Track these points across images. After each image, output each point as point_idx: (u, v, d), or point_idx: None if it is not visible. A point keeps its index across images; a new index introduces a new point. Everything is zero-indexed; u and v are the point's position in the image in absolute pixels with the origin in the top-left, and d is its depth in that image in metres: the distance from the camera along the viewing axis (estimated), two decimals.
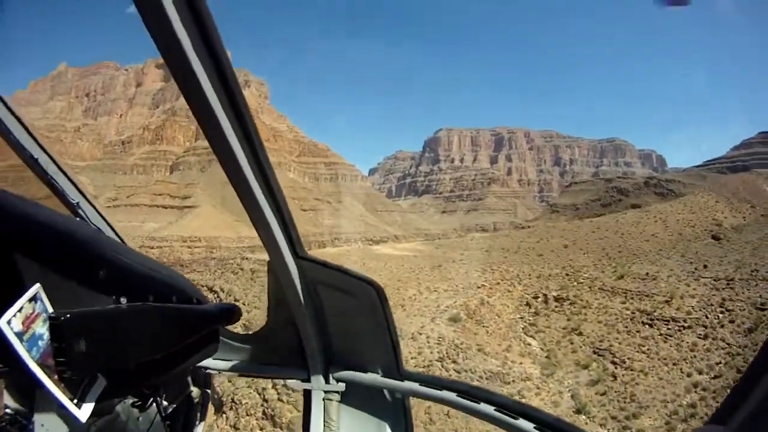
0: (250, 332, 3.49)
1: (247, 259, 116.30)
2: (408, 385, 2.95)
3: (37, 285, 1.43)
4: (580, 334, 72.36)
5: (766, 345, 1.36)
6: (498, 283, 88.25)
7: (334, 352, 3.23)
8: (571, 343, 71.00)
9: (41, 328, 1.40)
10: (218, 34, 1.70)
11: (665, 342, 67.75)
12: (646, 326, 72.09)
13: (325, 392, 3.20)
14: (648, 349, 66.64)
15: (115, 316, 1.68)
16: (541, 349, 70.46)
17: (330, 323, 3.13)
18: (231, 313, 2.59)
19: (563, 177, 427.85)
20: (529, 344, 71.13)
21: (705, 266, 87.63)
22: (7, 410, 1.50)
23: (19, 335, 1.33)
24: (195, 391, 2.75)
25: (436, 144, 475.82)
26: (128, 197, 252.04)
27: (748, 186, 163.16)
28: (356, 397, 3.20)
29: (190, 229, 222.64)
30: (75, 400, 1.50)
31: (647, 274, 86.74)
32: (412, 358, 60.45)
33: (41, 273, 1.48)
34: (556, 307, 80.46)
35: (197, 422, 2.76)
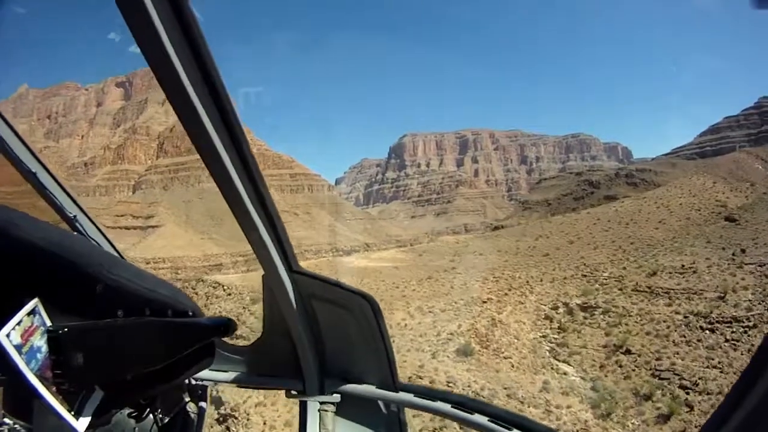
0: (245, 345, 3.41)
1: (202, 281, 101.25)
2: (403, 396, 2.95)
3: (36, 299, 1.45)
4: (628, 352, 53.88)
5: (757, 355, 1.32)
6: (506, 294, 68.53)
7: (330, 364, 3.19)
8: (620, 366, 52.42)
9: (39, 341, 1.42)
10: (208, 50, 1.70)
11: (734, 350, 52.39)
12: (707, 332, 55.45)
13: (321, 403, 3.17)
14: (719, 362, 50.53)
15: (112, 330, 1.70)
16: (582, 378, 51.66)
17: (325, 336, 3.11)
18: (226, 326, 2.54)
19: (530, 175, 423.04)
20: (565, 373, 52.25)
21: (743, 251, 73.51)
22: (6, 421, 1.49)
23: (18, 348, 1.34)
24: (191, 403, 2.76)
25: (401, 150, 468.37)
26: None
27: (740, 165, 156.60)
28: (352, 408, 3.18)
29: (153, 250, 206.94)
30: (73, 412, 1.51)
31: (683, 266, 70.16)
32: (414, 416, 41.12)
33: (39, 287, 1.49)
34: (585, 318, 61.73)
35: None
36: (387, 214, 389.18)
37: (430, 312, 63.89)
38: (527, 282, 74.52)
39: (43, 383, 1.39)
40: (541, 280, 74.96)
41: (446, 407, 2.68)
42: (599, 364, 53.74)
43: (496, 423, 2.45)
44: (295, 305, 2.84)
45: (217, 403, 44.58)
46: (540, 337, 60.09)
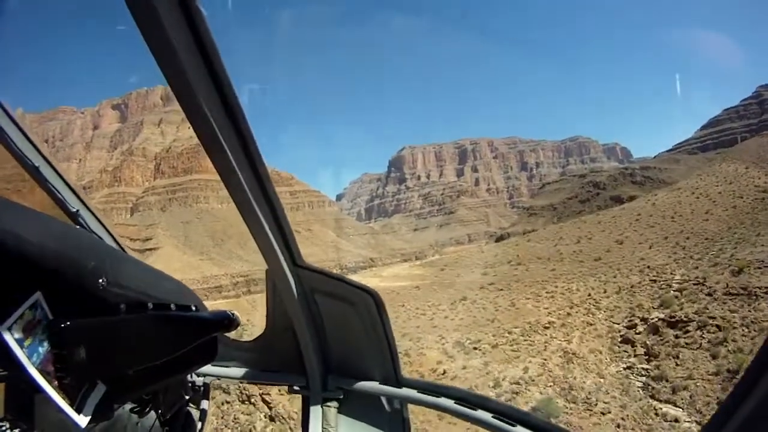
0: (249, 340, 3.38)
1: None
2: (406, 392, 2.94)
3: (38, 293, 1.42)
4: None
5: (753, 363, 1.31)
6: (569, 314, 53.50)
7: (333, 360, 3.19)
8: None
9: (41, 335, 1.39)
10: (217, 53, 1.74)
11: None
12: None
13: (324, 399, 3.16)
14: None
15: (114, 324, 1.68)
16: (698, 423, 37.02)
17: (328, 331, 3.10)
18: (230, 320, 2.52)
19: (531, 181, 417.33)
20: (676, 420, 37.33)
21: None
22: (8, 416, 1.48)
23: (20, 342, 1.32)
24: (194, 397, 2.76)
25: (400, 163, 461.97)
26: None
27: (766, 149, 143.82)
28: (354, 404, 3.17)
29: None
30: (74, 406, 1.47)
31: None
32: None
33: (41, 281, 1.45)
34: (677, 337, 46.71)
35: (195, 428, 2.74)
36: (389, 228, 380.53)
37: (476, 349, 47.97)
38: (589, 295, 59.49)
39: (44, 377, 1.35)
40: (605, 291, 60.03)
41: (449, 403, 2.65)
42: (716, 399, 38.96)
43: (499, 419, 2.43)
44: (298, 300, 2.82)
45: None
46: (624, 369, 44.98)
